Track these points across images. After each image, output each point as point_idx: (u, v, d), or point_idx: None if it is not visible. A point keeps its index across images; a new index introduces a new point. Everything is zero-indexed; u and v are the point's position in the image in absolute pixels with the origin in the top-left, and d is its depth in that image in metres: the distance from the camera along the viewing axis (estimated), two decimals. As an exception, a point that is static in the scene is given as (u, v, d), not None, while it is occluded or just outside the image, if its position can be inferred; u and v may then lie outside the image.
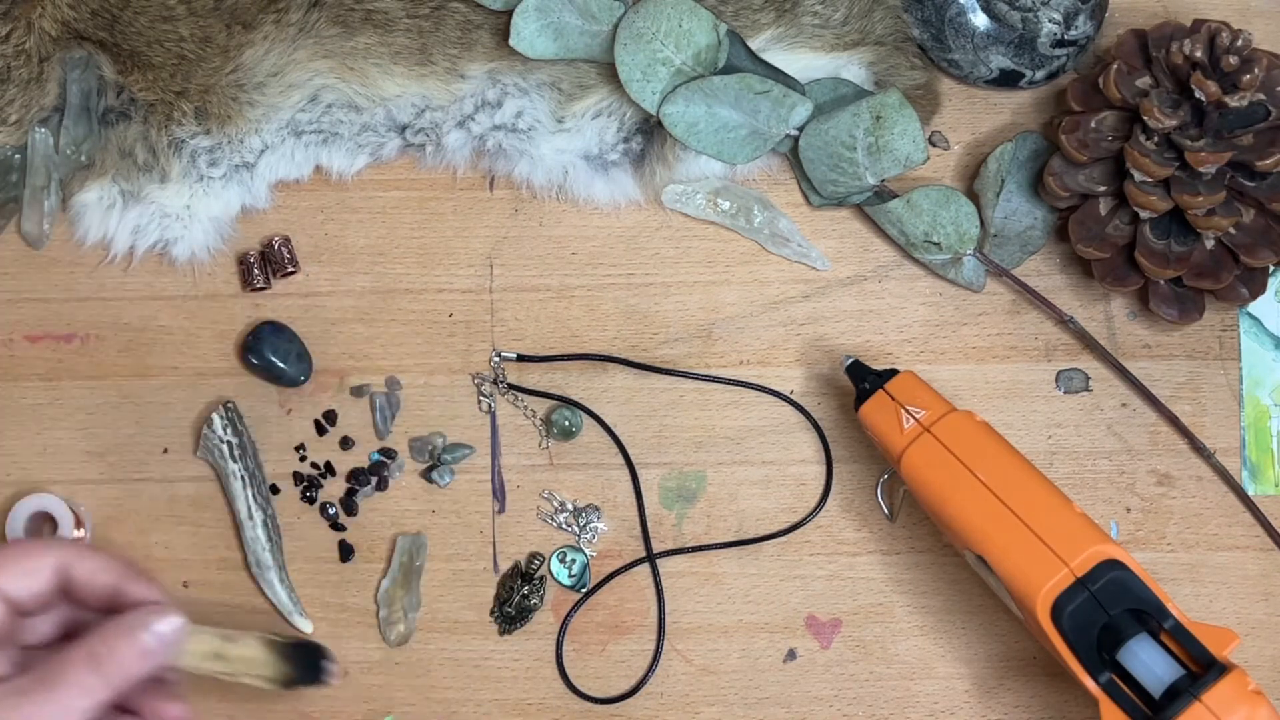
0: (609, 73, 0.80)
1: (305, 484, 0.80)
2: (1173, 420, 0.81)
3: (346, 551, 0.80)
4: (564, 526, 0.80)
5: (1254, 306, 0.82)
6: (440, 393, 0.81)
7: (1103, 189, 0.78)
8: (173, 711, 0.68)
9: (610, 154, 0.81)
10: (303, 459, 0.80)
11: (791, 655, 0.79)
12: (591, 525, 0.80)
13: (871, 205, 0.81)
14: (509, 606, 0.79)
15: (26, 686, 0.62)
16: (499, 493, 0.80)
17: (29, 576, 0.65)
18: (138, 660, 0.63)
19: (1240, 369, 0.82)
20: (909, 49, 0.82)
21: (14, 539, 0.78)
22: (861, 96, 0.80)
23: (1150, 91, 0.77)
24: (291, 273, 0.81)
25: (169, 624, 0.64)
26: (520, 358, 0.81)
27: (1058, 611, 0.69)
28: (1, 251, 0.82)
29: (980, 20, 0.82)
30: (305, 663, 0.68)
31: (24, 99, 0.79)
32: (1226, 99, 0.74)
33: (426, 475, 0.80)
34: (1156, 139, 0.76)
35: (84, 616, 0.67)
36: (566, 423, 0.80)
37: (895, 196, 0.81)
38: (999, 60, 0.82)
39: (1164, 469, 0.81)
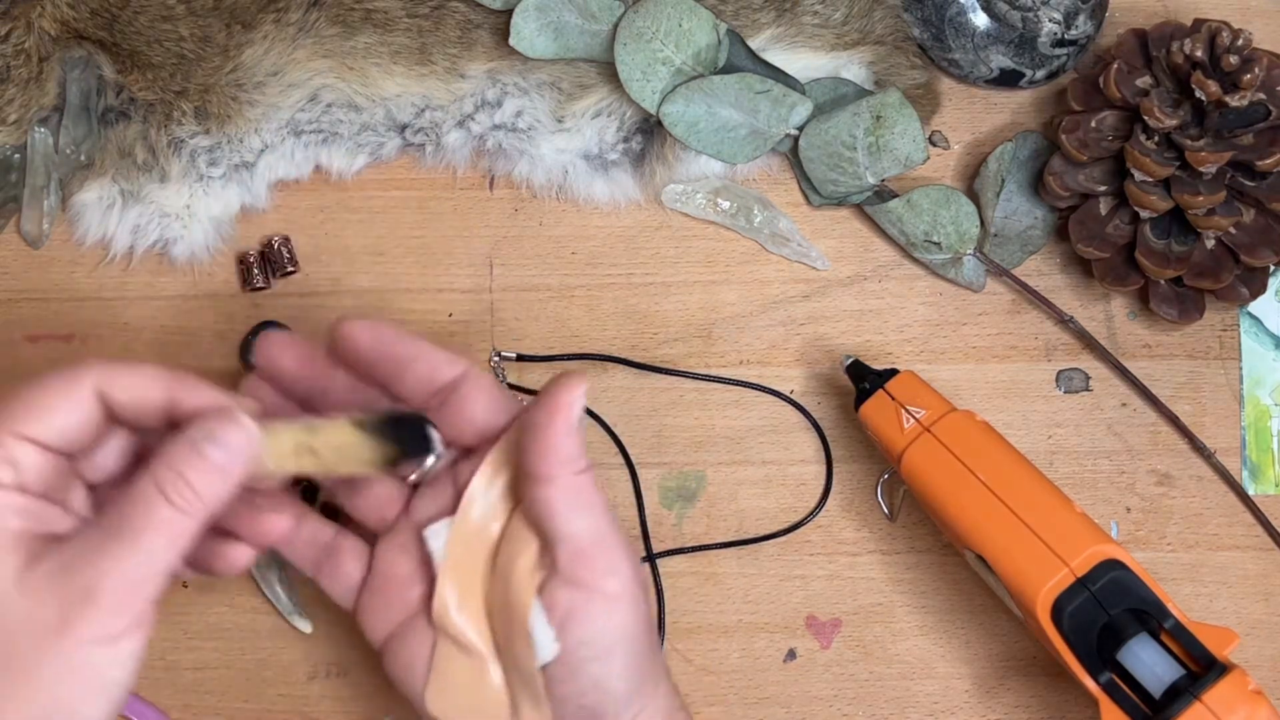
0: (609, 72, 0.80)
1: (305, 484, 0.80)
2: (1173, 420, 0.81)
3: (346, 551, 0.80)
4: (564, 526, 0.80)
5: (1254, 306, 0.82)
6: (440, 392, 0.81)
7: (1103, 189, 0.78)
8: (275, 524, 0.62)
9: (610, 154, 0.81)
10: (302, 459, 0.80)
11: (791, 655, 0.79)
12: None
13: (871, 205, 0.81)
14: (509, 606, 0.79)
15: (98, 542, 0.55)
16: (499, 492, 0.80)
17: (66, 413, 0.57)
18: (214, 481, 0.56)
19: (1240, 369, 0.82)
20: (909, 48, 0.82)
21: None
22: (861, 96, 0.80)
23: (1150, 91, 0.77)
24: (291, 273, 0.81)
25: (239, 430, 0.57)
26: (520, 357, 0.81)
27: (1058, 611, 0.69)
28: (1, 251, 0.82)
29: (980, 20, 0.82)
30: (408, 434, 0.61)
31: (23, 98, 0.79)
32: (1227, 98, 0.74)
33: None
34: (1157, 139, 0.76)
35: (151, 438, 0.60)
36: (566, 422, 0.80)
37: (895, 196, 0.81)
38: (999, 60, 0.82)
39: (1164, 469, 0.81)
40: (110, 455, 0.61)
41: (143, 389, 0.58)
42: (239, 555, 0.63)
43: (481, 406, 0.66)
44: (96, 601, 0.55)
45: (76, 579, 0.55)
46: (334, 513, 0.71)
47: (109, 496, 0.60)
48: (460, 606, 0.65)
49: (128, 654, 0.56)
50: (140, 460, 0.60)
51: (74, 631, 0.55)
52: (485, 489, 0.66)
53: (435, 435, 0.62)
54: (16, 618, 0.55)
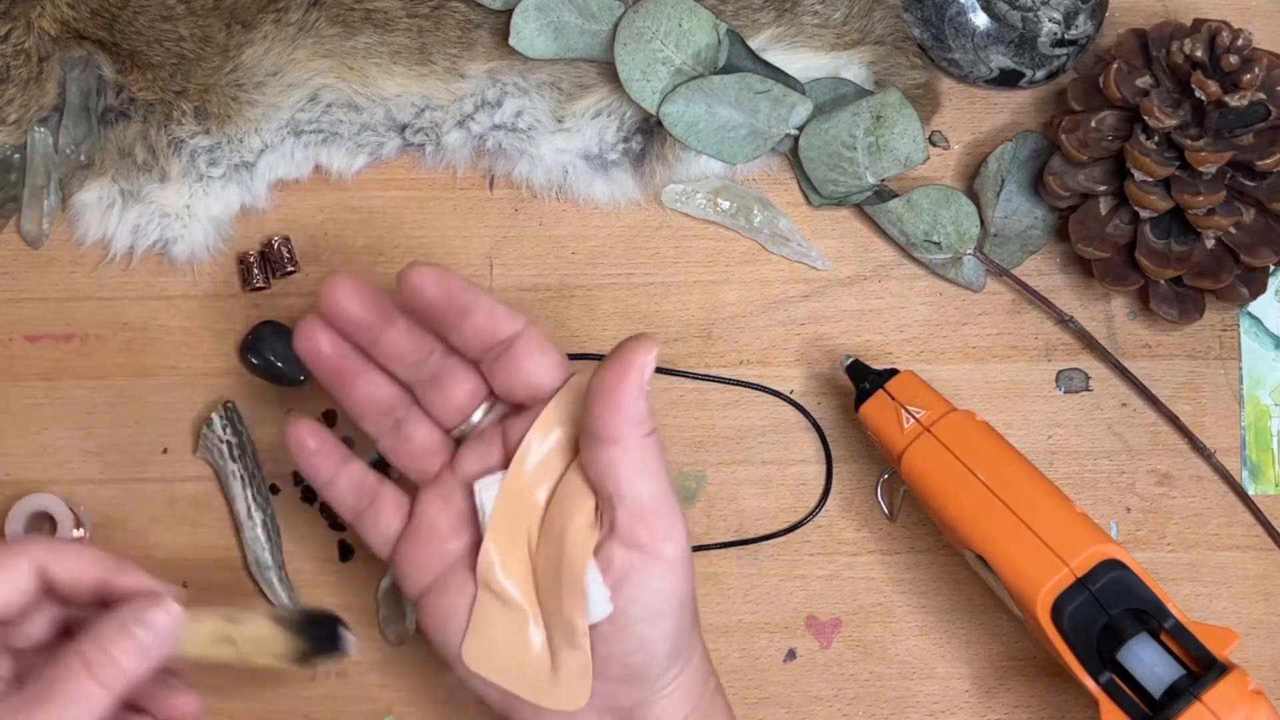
0: (609, 72, 0.80)
1: (305, 484, 0.80)
2: (1173, 420, 0.81)
3: (346, 551, 0.80)
4: (564, 526, 0.80)
5: (1254, 306, 0.82)
6: (440, 392, 0.81)
7: (1103, 188, 0.78)
8: (184, 705, 0.64)
9: (610, 154, 0.81)
10: (302, 459, 0.80)
11: (791, 655, 0.79)
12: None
13: (871, 205, 0.81)
14: (509, 606, 0.79)
15: (21, 705, 0.58)
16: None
17: (5, 583, 0.61)
18: (136, 659, 0.59)
19: (1240, 369, 0.82)
20: (909, 48, 0.82)
21: None
22: (861, 96, 0.80)
23: (1150, 91, 0.77)
24: (291, 272, 0.81)
25: (164, 614, 0.60)
26: (520, 357, 0.81)
27: (1058, 611, 0.69)
28: (1, 251, 0.82)
29: (980, 20, 0.82)
30: (320, 634, 0.63)
31: (23, 98, 0.79)
32: (1227, 98, 0.74)
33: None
34: (1157, 138, 0.76)
35: (78, 613, 0.63)
36: (566, 422, 0.80)
37: (895, 196, 0.81)
38: (999, 60, 0.82)
39: (1164, 469, 0.81)
40: (37, 625, 0.64)
41: (81, 570, 0.62)
42: None
43: (537, 364, 0.66)
44: None
45: None
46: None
47: (30, 662, 0.62)
48: (505, 563, 0.65)
49: None
50: (64, 631, 0.63)
51: None
52: (536, 448, 0.66)
53: (347, 636, 0.64)
54: None
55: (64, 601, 0.63)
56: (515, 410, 0.68)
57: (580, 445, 0.65)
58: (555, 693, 0.65)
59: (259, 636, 0.62)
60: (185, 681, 0.65)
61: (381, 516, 0.69)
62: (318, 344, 0.69)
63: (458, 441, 0.69)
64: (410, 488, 0.69)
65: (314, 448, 0.70)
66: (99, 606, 0.62)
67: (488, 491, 0.66)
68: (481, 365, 0.68)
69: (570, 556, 0.64)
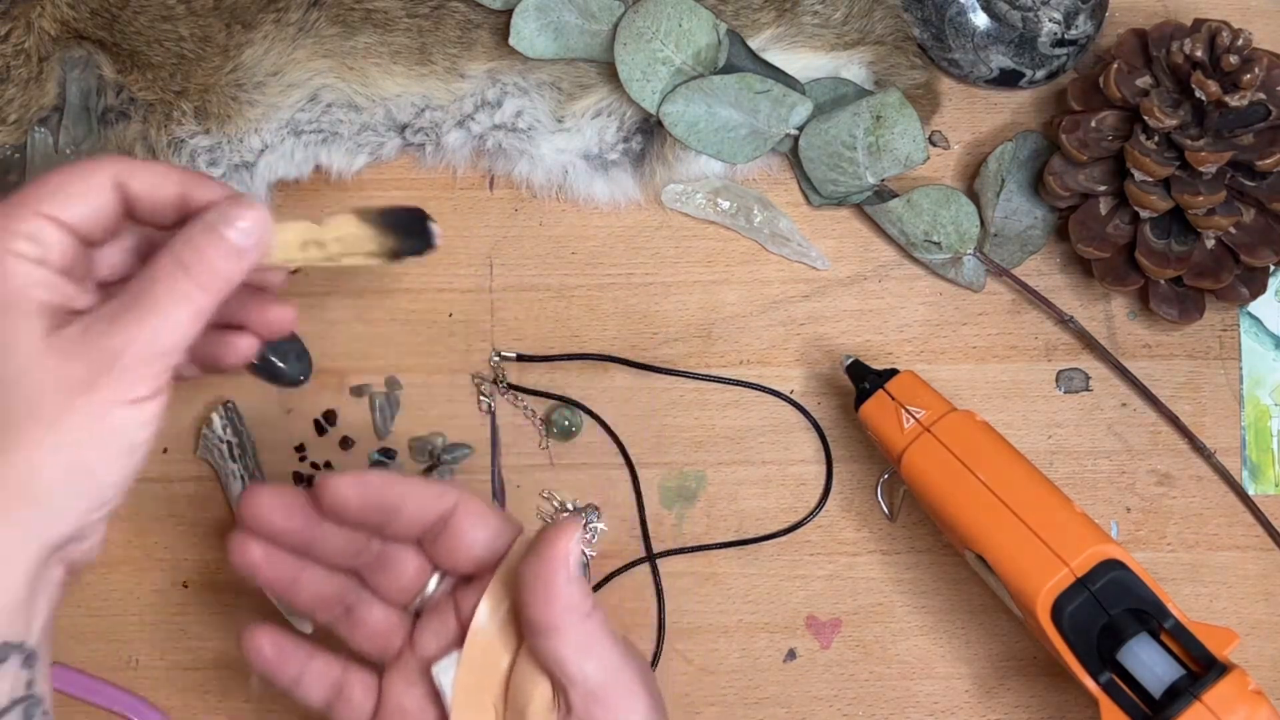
0: (609, 72, 0.80)
1: (305, 484, 0.80)
2: (1173, 420, 0.81)
3: (346, 551, 0.80)
4: (564, 526, 0.80)
5: (1254, 306, 0.82)
6: (440, 393, 0.81)
7: (1103, 188, 0.78)
8: (279, 314, 0.64)
9: (610, 153, 0.81)
10: (303, 459, 0.80)
11: (791, 655, 0.79)
12: (591, 525, 0.80)
13: (871, 205, 0.81)
14: (509, 606, 0.79)
15: (118, 310, 0.56)
16: (499, 493, 0.80)
17: (86, 199, 0.58)
18: (230, 260, 0.58)
19: (1240, 369, 0.82)
20: (909, 48, 0.82)
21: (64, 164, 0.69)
22: (861, 96, 0.80)
23: (1150, 91, 0.77)
24: (293, 272, 0.81)
25: (252, 215, 0.58)
26: (520, 357, 0.81)
27: (1058, 611, 0.69)
28: (1, 251, 0.82)
29: (980, 20, 0.82)
30: (408, 228, 0.62)
31: (23, 98, 0.79)
32: (1227, 98, 0.74)
33: (426, 475, 0.80)
34: (1157, 138, 0.76)
35: (157, 238, 0.61)
36: (566, 423, 0.80)
37: (895, 196, 0.81)
38: (999, 60, 0.82)
39: (1164, 469, 0.81)
40: (118, 253, 0.62)
41: (159, 183, 0.60)
42: (245, 345, 0.65)
43: (477, 535, 0.66)
44: (123, 364, 0.56)
45: (103, 344, 0.56)
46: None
47: (118, 288, 0.60)
48: None
49: (150, 415, 0.57)
50: (146, 260, 0.61)
51: (101, 392, 0.55)
52: (489, 619, 0.65)
53: (434, 228, 0.62)
54: (44, 375, 0.55)
55: (145, 221, 0.61)
56: (465, 581, 0.67)
57: (525, 635, 0.64)
58: None
59: (348, 235, 0.61)
60: (275, 294, 0.64)
61: (352, 702, 0.67)
62: (251, 557, 0.67)
63: (416, 614, 0.68)
64: (378, 666, 0.68)
65: (271, 655, 0.67)
66: (181, 226, 0.60)
67: (445, 675, 0.65)
68: (422, 545, 0.67)
69: None
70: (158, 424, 0.57)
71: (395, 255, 0.62)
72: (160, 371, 0.57)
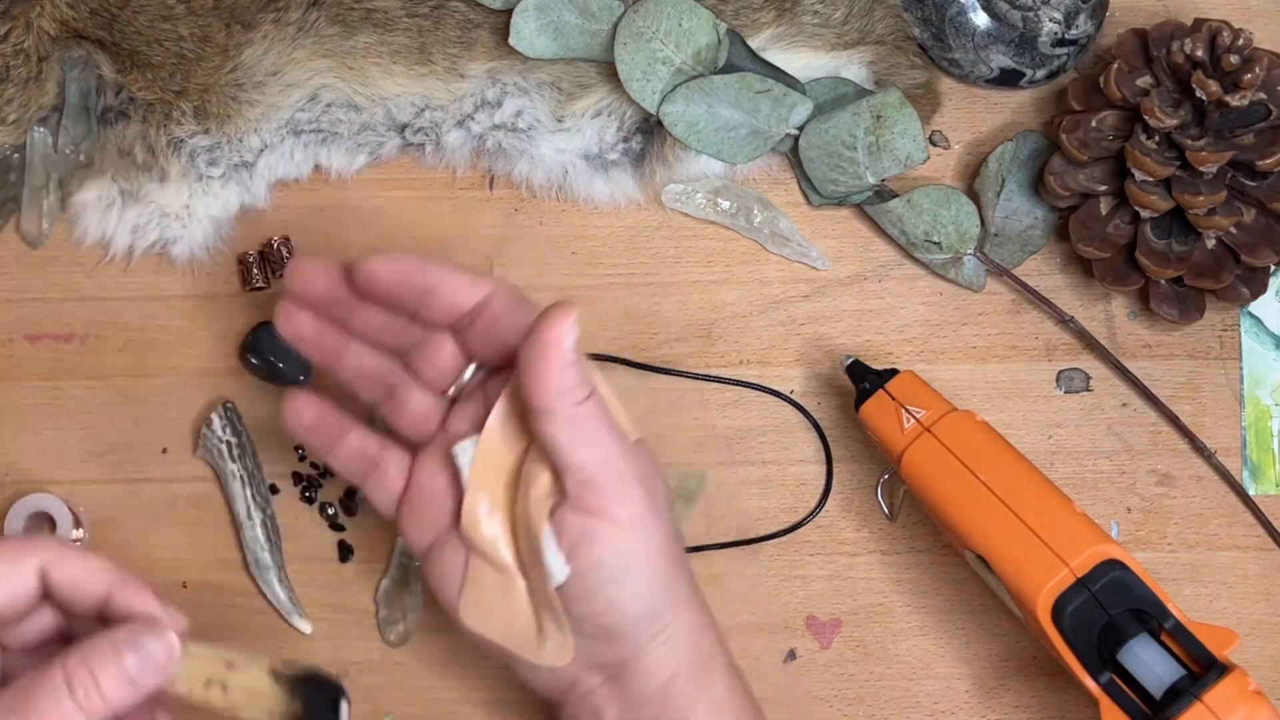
0: (609, 72, 0.80)
1: (305, 484, 0.80)
2: (1173, 420, 0.80)
3: (346, 551, 0.80)
4: (564, 526, 0.80)
5: (1255, 306, 0.82)
6: (440, 392, 0.81)
7: (1103, 188, 0.78)
8: None
9: (610, 153, 0.81)
10: (302, 459, 0.80)
11: (791, 655, 0.79)
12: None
13: (872, 205, 0.81)
14: (509, 606, 0.79)
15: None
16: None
17: (6, 581, 0.59)
18: (123, 688, 0.57)
19: (1241, 369, 0.82)
20: (909, 48, 0.82)
21: None
22: (862, 96, 0.80)
23: (1151, 91, 0.77)
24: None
25: (161, 645, 0.58)
26: (520, 357, 0.81)
27: (1058, 611, 0.69)
28: (1, 251, 0.82)
29: (981, 19, 0.82)
30: (318, 700, 0.60)
31: (23, 98, 0.79)
32: (1227, 98, 0.74)
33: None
34: (1157, 138, 0.76)
35: (78, 623, 0.61)
36: (566, 422, 0.80)
37: (895, 196, 0.81)
38: (999, 59, 0.82)
39: (1164, 469, 0.81)
40: (34, 626, 0.62)
41: (86, 579, 0.60)
42: None
43: (509, 324, 0.67)
44: None
45: None
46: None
47: (20, 662, 0.61)
48: (488, 523, 0.67)
49: None
50: (62, 637, 0.62)
51: None
52: (508, 409, 0.67)
53: (345, 710, 0.60)
54: None
55: (63, 609, 0.61)
56: (497, 371, 0.69)
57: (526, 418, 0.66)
58: (542, 650, 0.66)
59: (254, 689, 0.59)
60: (170, 714, 0.62)
61: (384, 479, 0.69)
62: (298, 325, 0.69)
63: (454, 401, 0.70)
64: (414, 446, 0.70)
65: (311, 420, 0.70)
66: (99, 620, 0.60)
67: (464, 455, 0.67)
68: (456, 333, 0.68)
69: (530, 523, 0.65)
70: None
71: None
72: None
